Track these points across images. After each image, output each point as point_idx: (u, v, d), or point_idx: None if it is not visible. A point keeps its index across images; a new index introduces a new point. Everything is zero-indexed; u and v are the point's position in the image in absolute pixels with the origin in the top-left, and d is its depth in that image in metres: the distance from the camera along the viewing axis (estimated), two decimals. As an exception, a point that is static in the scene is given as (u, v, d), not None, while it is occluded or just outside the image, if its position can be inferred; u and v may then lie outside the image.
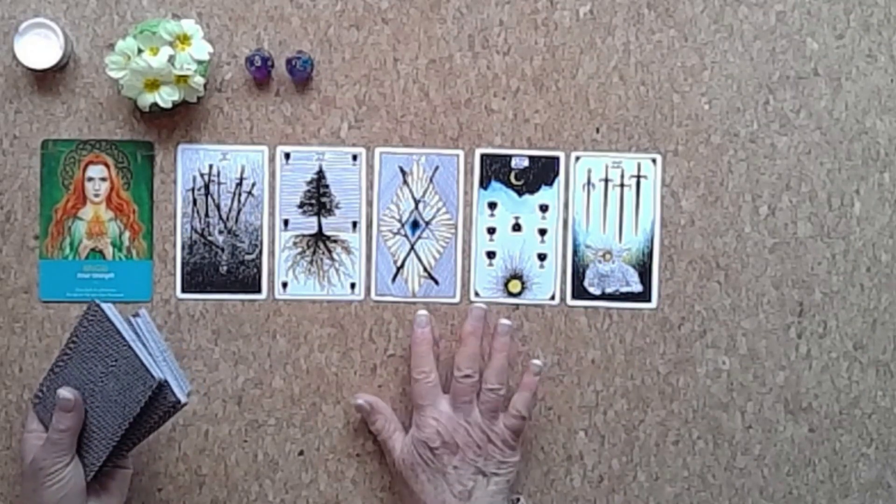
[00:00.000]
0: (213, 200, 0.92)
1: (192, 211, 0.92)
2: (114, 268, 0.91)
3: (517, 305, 0.92)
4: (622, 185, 0.92)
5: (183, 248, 0.92)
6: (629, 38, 0.92)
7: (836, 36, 0.93)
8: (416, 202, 0.92)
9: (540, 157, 0.92)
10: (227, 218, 0.92)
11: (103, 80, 0.90)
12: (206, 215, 0.92)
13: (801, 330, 0.93)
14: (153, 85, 0.87)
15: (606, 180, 0.92)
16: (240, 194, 0.92)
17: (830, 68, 0.93)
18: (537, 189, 0.92)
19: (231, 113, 0.92)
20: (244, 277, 0.92)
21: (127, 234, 0.91)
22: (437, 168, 0.92)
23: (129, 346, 0.81)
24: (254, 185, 0.92)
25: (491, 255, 0.92)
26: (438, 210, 0.92)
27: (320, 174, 0.92)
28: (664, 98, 0.92)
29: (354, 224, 0.92)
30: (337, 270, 0.92)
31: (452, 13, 0.92)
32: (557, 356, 0.92)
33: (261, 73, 0.90)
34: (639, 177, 0.93)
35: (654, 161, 0.92)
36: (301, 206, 0.92)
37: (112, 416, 0.82)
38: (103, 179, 0.91)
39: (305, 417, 0.92)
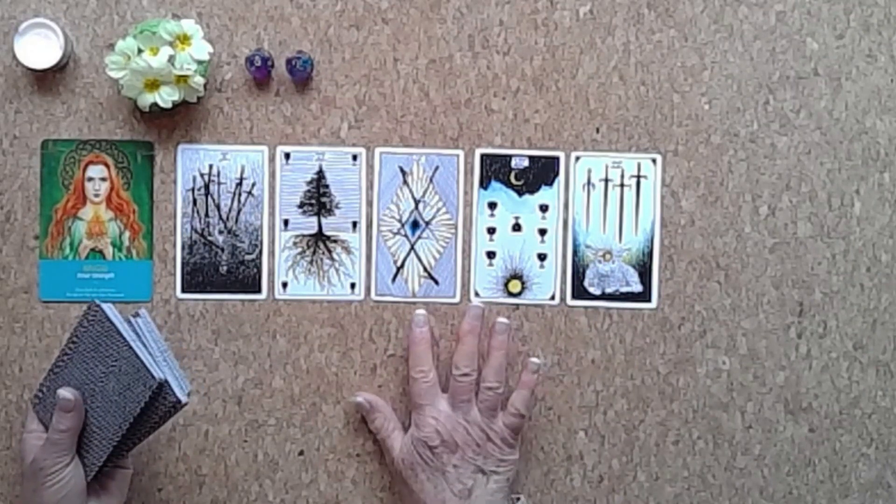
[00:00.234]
0: (213, 200, 0.92)
1: (192, 211, 0.92)
2: (114, 268, 0.91)
3: (517, 305, 0.92)
4: (622, 185, 0.92)
5: (183, 248, 0.92)
6: (629, 38, 0.92)
7: (836, 36, 0.93)
8: (416, 202, 0.92)
9: (540, 157, 0.92)
10: (227, 218, 0.92)
11: (103, 80, 0.90)
12: (206, 215, 0.92)
13: (801, 330, 0.93)
14: (153, 85, 0.87)
15: (606, 180, 0.92)
16: (240, 194, 0.92)
17: (830, 68, 0.93)
18: (537, 189, 0.92)
19: (231, 113, 0.92)
20: (244, 277, 0.92)
21: (127, 234, 0.91)
22: (437, 168, 0.92)
23: (130, 346, 0.81)
24: (254, 185, 0.92)
25: (491, 255, 0.92)
26: (438, 210, 0.92)
27: (320, 174, 0.92)
28: (664, 98, 0.92)
29: (354, 224, 0.92)
30: (337, 270, 0.92)
31: (452, 13, 0.92)
32: (557, 356, 0.92)
33: (261, 73, 0.90)
34: (639, 177, 0.93)
35: (654, 161, 0.92)
36: (301, 206, 0.92)
37: (112, 416, 0.82)
38: (103, 179, 0.91)
39: (305, 417, 0.92)
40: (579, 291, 0.92)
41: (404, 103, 0.92)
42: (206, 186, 0.92)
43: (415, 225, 0.92)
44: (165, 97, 0.87)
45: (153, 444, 0.91)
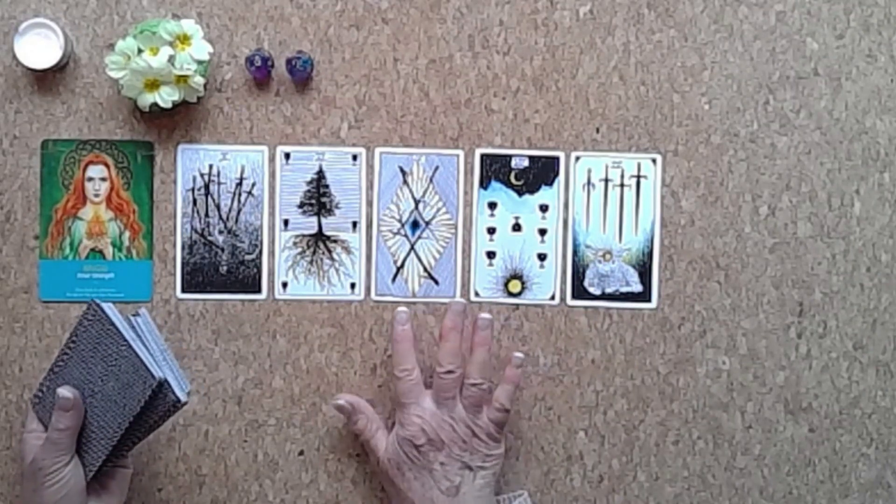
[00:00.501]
0: (213, 200, 0.92)
1: (192, 211, 0.92)
2: (114, 268, 0.91)
3: (517, 305, 0.92)
4: (622, 185, 0.92)
5: (183, 248, 0.92)
6: (629, 38, 0.92)
7: (836, 36, 0.93)
8: (416, 202, 0.92)
9: (540, 157, 0.92)
10: (227, 218, 0.92)
11: (103, 80, 0.90)
12: (206, 215, 0.92)
13: (801, 330, 0.93)
14: (153, 85, 0.87)
15: (606, 180, 0.92)
16: (240, 194, 0.92)
17: (830, 68, 0.93)
18: (537, 189, 0.92)
19: (231, 113, 0.92)
20: (244, 277, 0.92)
21: (127, 234, 0.91)
22: (437, 168, 0.92)
23: (129, 346, 0.81)
24: (254, 185, 0.92)
25: (491, 255, 0.92)
26: (438, 210, 0.92)
27: (320, 174, 0.92)
28: (664, 98, 0.92)
29: (354, 224, 0.92)
30: (337, 270, 0.92)
31: (452, 13, 0.92)
32: (557, 356, 0.92)
33: (261, 73, 0.90)
34: (639, 177, 0.93)
35: (654, 161, 0.92)
36: (301, 206, 0.92)
37: (112, 415, 0.82)
38: (103, 179, 0.91)
39: (305, 417, 0.92)
40: (579, 291, 0.92)
41: (404, 103, 0.92)
42: (206, 186, 0.92)
43: (415, 225, 0.92)
44: (165, 97, 0.87)
45: (153, 444, 0.91)
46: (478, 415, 0.87)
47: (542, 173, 0.92)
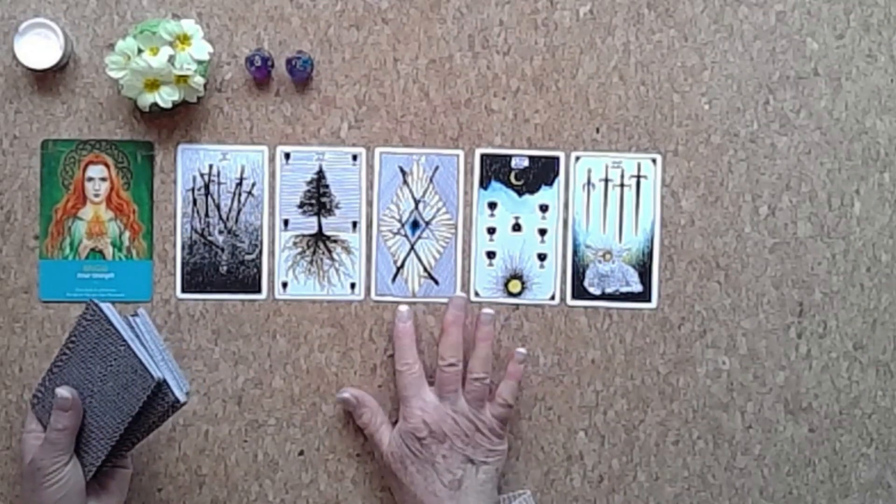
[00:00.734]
0: (213, 200, 0.92)
1: (192, 211, 0.92)
2: (114, 268, 0.91)
3: (517, 305, 0.92)
4: (622, 185, 0.92)
5: (183, 248, 0.92)
6: (629, 38, 0.92)
7: (836, 36, 0.93)
8: (416, 202, 0.92)
9: (540, 157, 0.92)
10: (227, 218, 0.92)
11: (103, 80, 0.90)
12: (206, 215, 0.92)
13: (801, 330, 0.93)
14: (153, 85, 0.87)
15: (606, 180, 0.92)
16: (240, 194, 0.92)
17: (830, 68, 0.93)
18: (537, 189, 0.92)
19: (231, 113, 0.92)
20: (244, 277, 0.92)
21: (127, 234, 0.91)
22: (437, 168, 0.92)
23: (128, 346, 0.81)
24: (254, 185, 0.92)
25: (491, 255, 0.92)
26: (438, 210, 0.92)
27: (320, 174, 0.92)
28: (664, 98, 0.92)
29: (354, 224, 0.92)
30: (337, 270, 0.92)
31: (452, 13, 0.92)
32: (557, 356, 0.92)
33: (261, 73, 0.90)
34: (639, 177, 0.93)
35: (654, 161, 0.92)
36: (301, 206, 0.92)
37: (111, 415, 0.82)
38: (103, 179, 0.91)
39: (305, 417, 0.92)
40: (579, 291, 0.92)
41: (404, 103, 0.92)
42: (206, 186, 0.92)
43: (415, 225, 0.92)
44: (165, 97, 0.87)
45: (153, 444, 0.91)
46: (480, 410, 0.88)
47: (542, 173, 0.92)
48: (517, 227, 0.92)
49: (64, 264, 0.91)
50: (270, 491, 0.92)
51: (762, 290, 0.92)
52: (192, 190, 0.92)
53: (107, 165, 0.91)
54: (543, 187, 0.92)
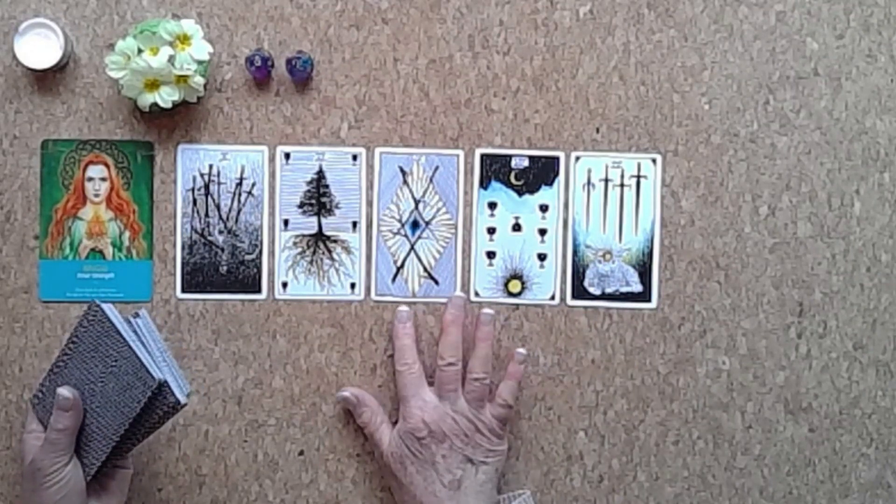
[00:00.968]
0: (213, 200, 0.92)
1: (192, 211, 0.92)
2: (114, 268, 0.91)
3: (517, 305, 0.92)
4: (622, 185, 0.92)
5: (183, 248, 0.92)
6: (629, 38, 0.92)
7: (836, 36, 0.93)
8: (416, 202, 0.92)
9: (540, 157, 0.92)
10: (227, 218, 0.92)
11: (103, 80, 0.90)
12: (206, 215, 0.92)
13: (801, 330, 0.93)
14: (153, 85, 0.87)
15: (606, 180, 0.92)
16: (240, 194, 0.92)
17: (830, 68, 0.93)
18: (537, 189, 0.92)
19: (231, 113, 0.92)
20: (244, 277, 0.92)
21: (127, 234, 0.91)
22: (437, 168, 0.92)
23: (129, 347, 0.81)
24: (254, 185, 0.92)
25: (491, 255, 0.92)
26: (438, 210, 0.92)
27: (320, 174, 0.92)
28: (664, 98, 0.92)
29: (354, 224, 0.92)
30: (337, 270, 0.92)
31: (452, 13, 0.92)
32: (557, 356, 0.92)
33: (261, 73, 0.90)
34: (639, 177, 0.93)
35: (654, 161, 0.92)
36: (301, 206, 0.92)
37: (111, 416, 0.82)
38: (103, 179, 0.91)
39: (305, 417, 0.92)
40: (579, 291, 0.92)
41: (404, 103, 0.92)
42: (206, 186, 0.92)
43: (415, 225, 0.92)
44: (165, 97, 0.87)
45: (153, 444, 0.91)
46: (480, 410, 0.88)
47: (542, 173, 0.92)
48: (517, 227, 0.92)
49: (64, 264, 0.91)
50: (270, 491, 0.92)
51: (762, 290, 0.92)
52: (192, 190, 0.92)
53: (107, 165, 0.91)
54: (543, 187, 0.92)
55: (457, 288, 0.92)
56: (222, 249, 0.92)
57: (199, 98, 0.90)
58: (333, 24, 0.92)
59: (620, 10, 0.92)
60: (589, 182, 0.92)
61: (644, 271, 0.92)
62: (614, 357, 0.92)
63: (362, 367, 0.92)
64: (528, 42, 0.92)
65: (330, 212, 0.92)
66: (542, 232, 0.92)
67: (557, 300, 0.92)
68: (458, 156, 0.92)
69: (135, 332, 0.83)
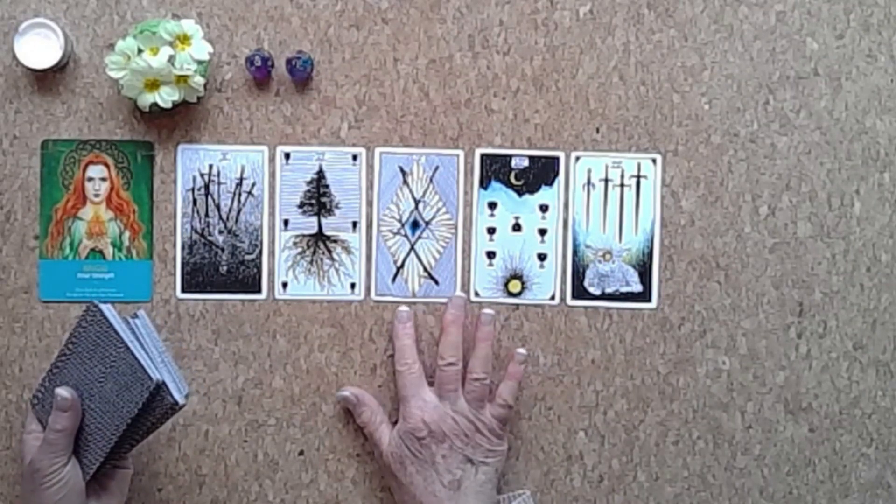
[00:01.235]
0: (213, 200, 0.92)
1: (192, 211, 0.92)
2: (114, 268, 0.91)
3: (517, 305, 0.92)
4: (622, 185, 0.92)
5: (183, 248, 0.92)
6: (629, 38, 0.92)
7: (836, 36, 0.93)
8: (416, 202, 0.92)
9: (540, 157, 0.92)
10: (227, 218, 0.92)
11: (103, 80, 0.90)
12: (206, 215, 0.92)
13: (801, 330, 0.93)
14: (153, 85, 0.87)
15: (606, 180, 0.92)
16: (240, 194, 0.92)
17: (830, 68, 0.93)
18: (537, 189, 0.92)
19: (231, 113, 0.92)
20: (244, 277, 0.92)
21: (127, 234, 0.91)
22: (437, 168, 0.92)
23: (128, 348, 0.81)
24: (254, 185, 0.92)
25: (491, 255, 0.92)
26: (438, 210, 0.92)
27: (320, 174, 0.92)
28: (664, 98, 0.92)
29: (354, 224, 0.92)
30: (337, 270, 0.92)
31: (452, 13, 0.92)
32: (557, 356, 0.92)
33: (261, 73, 0.90)
34: (639, 177, 0.93)
35: (654, 161, 0.92)
36: (301, 206, 0.92)
37: (110, 417, 0.82)
38: (103, 179, 0.91)
39: (305, 417, 0.92)
40: (579, 291, 0.92)
41: (404, 103, 0.92)
42: (206, 186, 0.92)
43: (415, 225, 0.92)
44: (165, 97, 0.87)
45: (153, 444, 0.91)
46: (480, 410, 0.88)
47: (542, 173, 0.92)
48: (517, 227, 0.92)
49: (64, 264, 0.91)
50: (270, 491, 0.92)
51: (762, 290, 0.92)
52: (192, 190, 0.92)
53: (107, 165, 0.91)
54: (543, 187, 0.92)
55: (457, 288, 0.92)
56: (222, 249, 0.92)
57: (199, 98, 0.90)
58: (333, 24, 0.92)
59: (620, 10, 0.92)
60: (589, 182, 0.92)
61: (644, 271, 0.92)
62: (614, 357, 0.92)
63: (362, 367, 0.92)
64: (528, 42, 0.92)
65: (330, 212, 0.92)
66: (542, 232, 0.92)
67: (557, 300, 0.92)
68: (458, 156, 0.92)
69: (133, 332, 0.83)
